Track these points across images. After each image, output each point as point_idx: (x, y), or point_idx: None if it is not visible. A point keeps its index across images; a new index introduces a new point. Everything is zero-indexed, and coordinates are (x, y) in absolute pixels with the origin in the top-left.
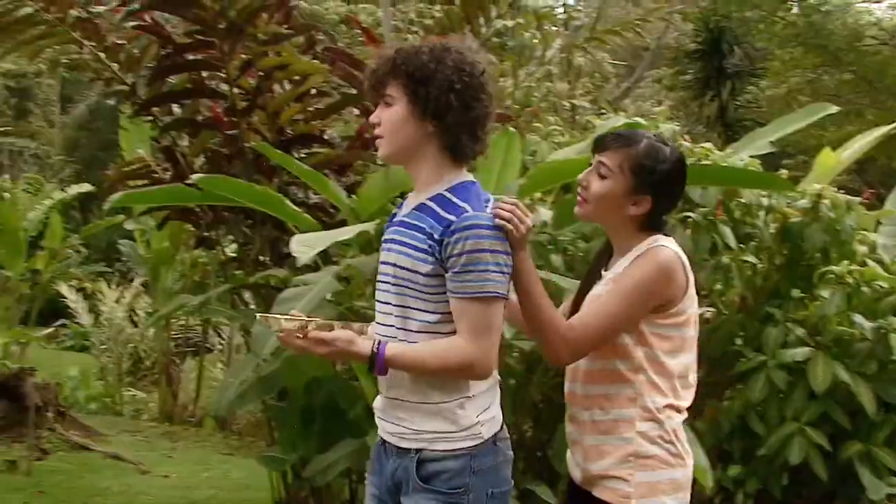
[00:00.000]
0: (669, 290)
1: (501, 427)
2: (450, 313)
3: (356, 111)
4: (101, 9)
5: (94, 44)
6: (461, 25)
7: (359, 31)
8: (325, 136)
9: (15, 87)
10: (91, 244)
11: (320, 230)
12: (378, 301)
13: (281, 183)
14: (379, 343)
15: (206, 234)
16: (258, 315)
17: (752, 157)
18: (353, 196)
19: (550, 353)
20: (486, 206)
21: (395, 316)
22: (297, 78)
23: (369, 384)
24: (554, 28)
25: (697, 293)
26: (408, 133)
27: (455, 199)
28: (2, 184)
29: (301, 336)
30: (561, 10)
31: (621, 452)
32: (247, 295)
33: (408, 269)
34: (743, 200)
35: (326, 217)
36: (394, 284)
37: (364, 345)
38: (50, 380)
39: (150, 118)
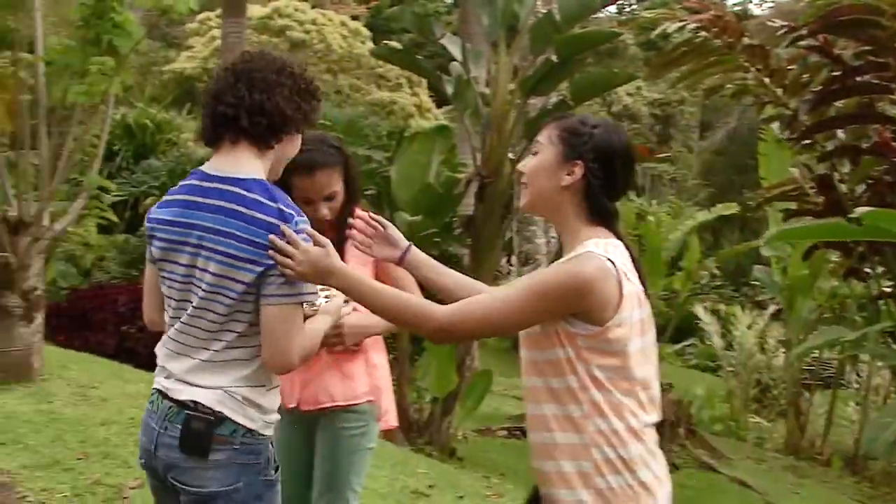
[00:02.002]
0: (585, 303)
1: None
2: None
3: None
4: (779, 23)
5: (759, 68)
6: None
7: None
8: None
9: (659, 115)
10: (720, 267)
11: None
12: None
13: None
14: None
15: (856, 265)
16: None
17: None
18: None
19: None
20: None
21: None
22: None
23: None
24: None
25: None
26: None
27: None
28: (645, 207)
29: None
30: None
31: (574, 482)
32: None
33: None
34: None
35: None
36: None
37: None
38: (678, 396)
39: (810, 143)
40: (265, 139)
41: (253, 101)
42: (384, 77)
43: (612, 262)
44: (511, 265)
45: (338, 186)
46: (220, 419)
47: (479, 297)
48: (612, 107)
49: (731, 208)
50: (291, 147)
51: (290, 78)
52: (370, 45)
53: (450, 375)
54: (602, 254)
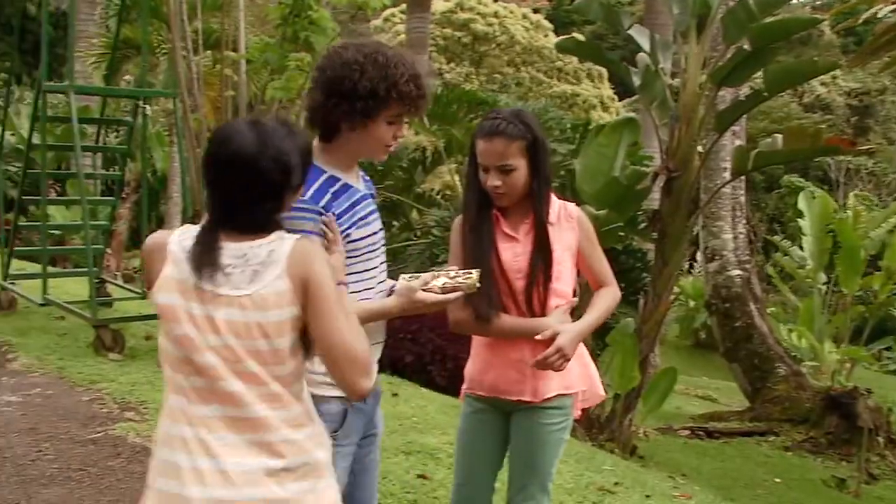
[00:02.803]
0: (150, 268)
1: None
2: None
3: None
4: None
5: None
6: None
7: None
8: None
9: (856, 105)
10: None
11: None
12: (380, 264)
13: None
14: None
15: None
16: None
17: None
18: None
19: None
20: None
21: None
22: None
23: None
24: None
25: None
26: None
27: None
28: (837, 201)
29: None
30: None
31: None
32: None
33: None
34: None
35: None
36: (382, 246)
37: None
38: (875, 403)
39: None
40: (318, 133)
41: (307, 97)
42: (562, 70)
43: (173, 242)
44: (695, 261)
45: (515, 161)
46: None
47: None
48: (804, 97)
49: None
50: (359, 138)
51: (325, 80)
52: (552, 37)
53: (632, 372)
54: (173, 233)
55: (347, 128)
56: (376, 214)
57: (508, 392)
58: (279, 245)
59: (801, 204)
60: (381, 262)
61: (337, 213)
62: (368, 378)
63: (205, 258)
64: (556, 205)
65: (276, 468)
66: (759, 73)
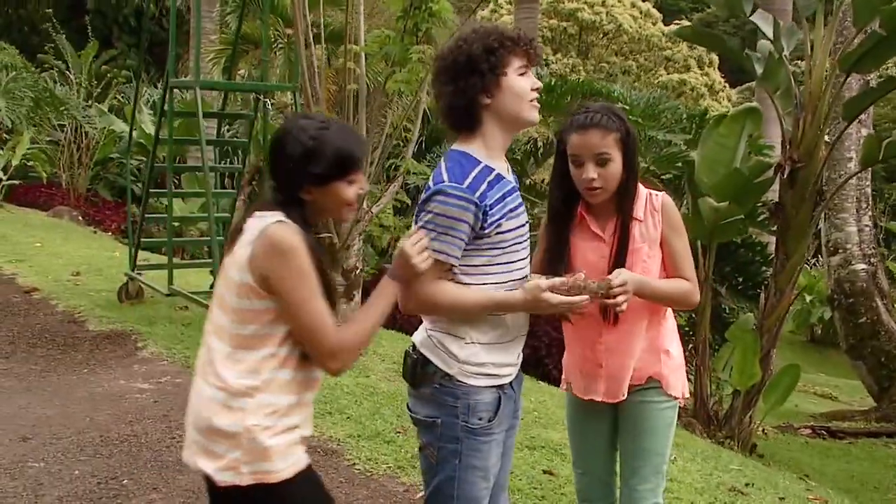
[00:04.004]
0: None
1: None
2: None
3: None
4: None
5: None
6: None
7: None
8: None
9: None
10: None
11: None
12: (526, 257)
13: None
14: None
15: None
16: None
17: None
18: None
19: None
20: None
21: None
22: None
23: None
24: None
25: None
26: None
27: None
28: None
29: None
30: None
31: None
32: None
33: None
34: None
35: None
36: (528, 240)
37: None
38: None
39: None
40: (462, 127)
41: (438, 105)
42: (671, 59)
43: None
44: (808, 256)
45: (612, 151)
46: (426, 359)
47: None
48: None
49: None
50: (502, 103)
51: (444, 71)
52: (661, 26)
53: (753, 368)
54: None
55: (486, 98)
56: (523, 207)
57: (584, 391)
58: (258, 222)
59: None
60: (527, 255)
61: (490, 203)
62: (333, 360)
63: (234, 226)
64: (643, 197)
65: (216, 398)
66: (892, 59)
